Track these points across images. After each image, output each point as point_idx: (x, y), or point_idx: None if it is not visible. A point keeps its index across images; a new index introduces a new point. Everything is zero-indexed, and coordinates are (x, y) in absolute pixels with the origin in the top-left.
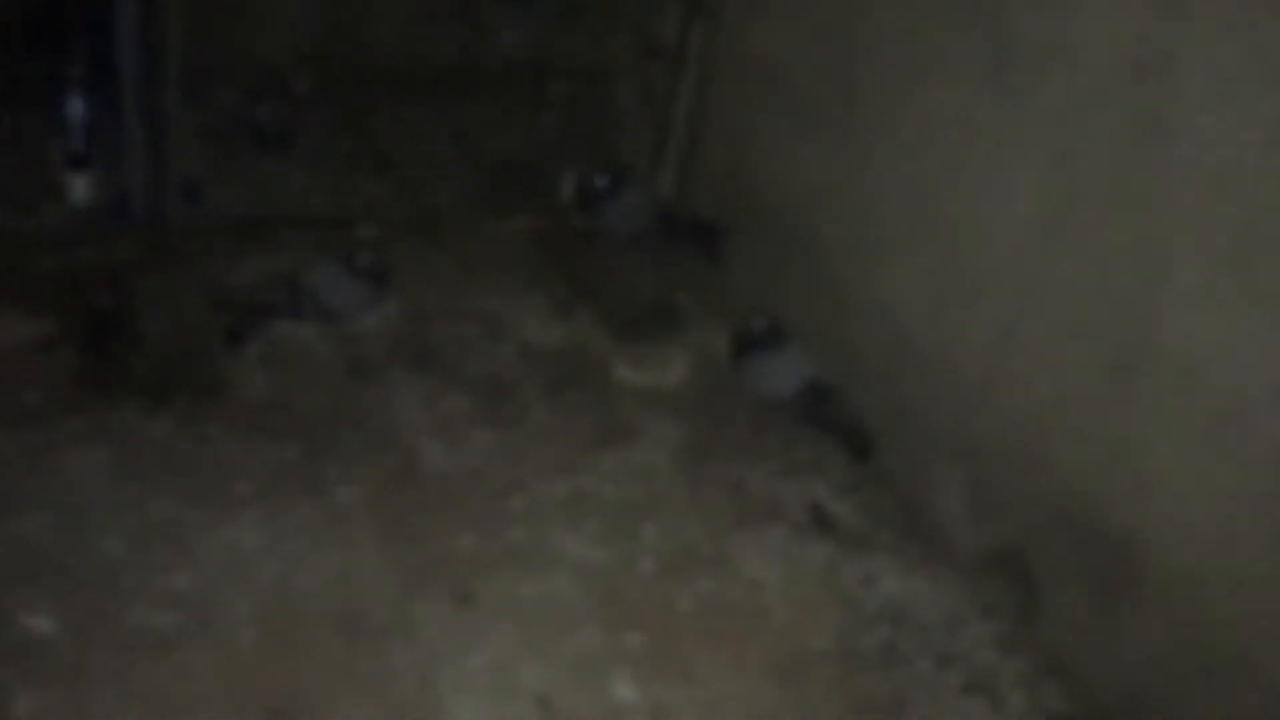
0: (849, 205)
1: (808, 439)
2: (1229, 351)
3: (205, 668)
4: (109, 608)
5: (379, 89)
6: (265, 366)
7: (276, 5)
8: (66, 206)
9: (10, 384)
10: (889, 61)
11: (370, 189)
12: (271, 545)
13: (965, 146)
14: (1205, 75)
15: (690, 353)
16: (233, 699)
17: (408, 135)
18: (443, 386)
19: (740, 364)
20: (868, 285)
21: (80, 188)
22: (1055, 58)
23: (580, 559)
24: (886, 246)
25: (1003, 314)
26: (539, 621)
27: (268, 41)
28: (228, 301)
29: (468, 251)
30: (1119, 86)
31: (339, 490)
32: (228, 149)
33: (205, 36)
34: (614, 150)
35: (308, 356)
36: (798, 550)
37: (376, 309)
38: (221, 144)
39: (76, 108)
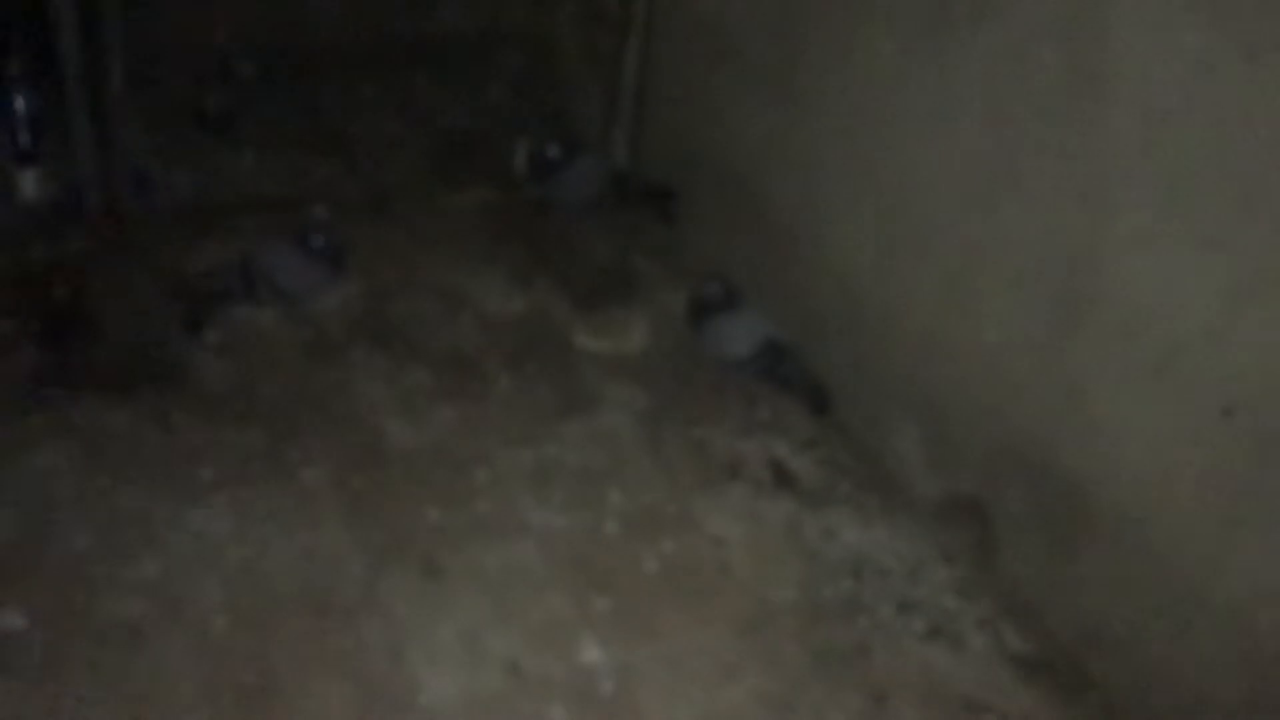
0: (796, 164)
1: (767, 398)
2: (1169, 295)
3: (177, 654)
4: (79, 600)
5: (325, 68)
6: (225, 352)
7: None
8: (16, 203)
9: None
10: (831, 18)
11: (321, 168)
12: (239, 530)
13: (906, 100)
14: (1132, 16)
15: (649, 317)
16: (206, 683)
17: (357, 113)
18: (403, 363)
19: (697, 328)
20: (817, 242)
21: (29, 183)
22: (989, 7)
23: (546, 527)
24: (833, 203)
25: (948, 265)
26: (507, 590)
27: (211, 26)
28: (184, 289)
29: (423, 226)
30: (1051, 34)
31: (304, 472)
32: (177, 136)
33: (148, 24)
34: (564, 118)
35: (267, 340)
36: (759, 507)
37: (333, 289)
38: (170, 132)
39: (20, 103)
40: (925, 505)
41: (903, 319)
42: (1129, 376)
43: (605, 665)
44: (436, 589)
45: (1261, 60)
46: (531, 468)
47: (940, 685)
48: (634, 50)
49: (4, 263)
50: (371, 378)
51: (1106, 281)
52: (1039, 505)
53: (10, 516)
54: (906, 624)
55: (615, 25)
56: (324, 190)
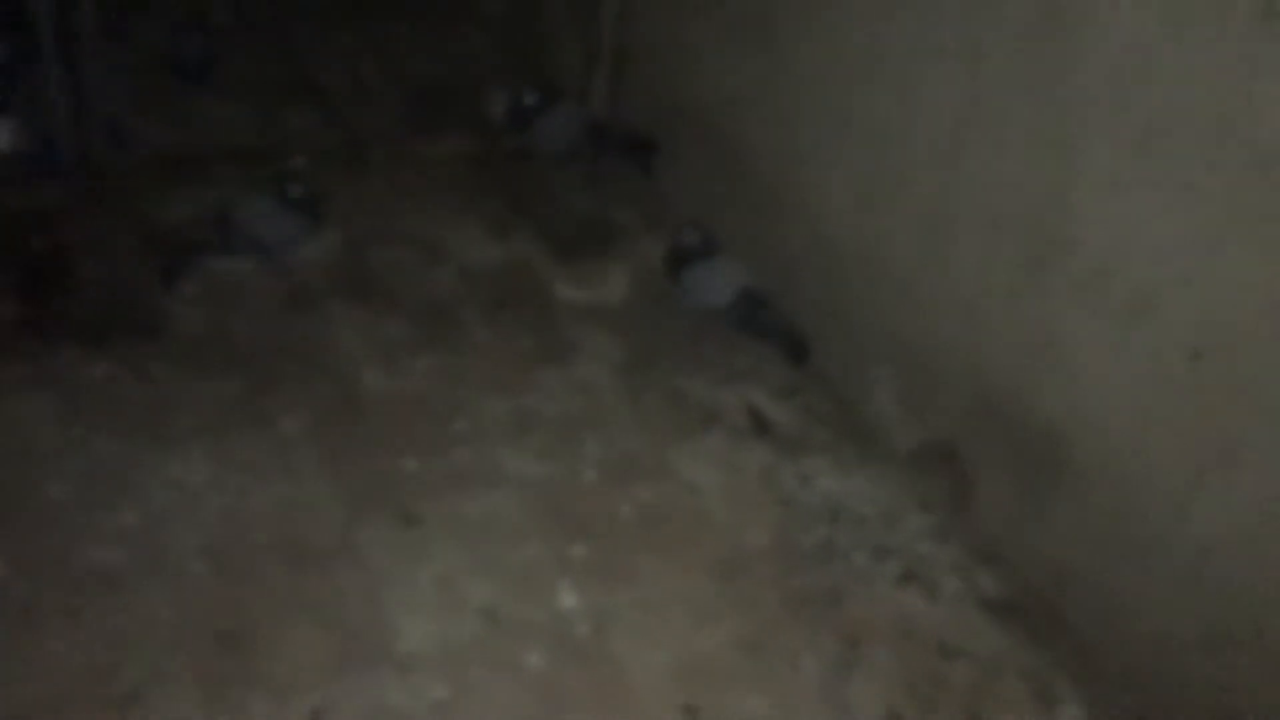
0: (774, 112)
1: (746, 347)
2: (1140, 241)
3: (155, 601)
4: (58, 548)
5: (302, 15)
6: (203, 303)
7: None
8: None
9: None
10: None
11: (299, 118)
12: (217, 478)
13: (883, 48)
14: None
15: (628, 267)
16: (183, 629)
17: (334, 62)
18: (382, 313)
19: (675, 277)
20: (795, 191)
21: (2, 135)
22: None
23: (523, 475)
24: (812, 152)
25: (924, 212)
26: (484, 538)
27: None
28: (162, 241)
29: (401, 177)
30: None
31: (282, 421)
32: (152, 86)
33: None
34: (544, 67)
35: (245, 291)
36: (736, 455)
37: (310, 240)
38: (145, 81)
39: None
40: (901, 453)
41: (879, 267)
42: (1101, 323)
43: (582, 611)
44: (414, 537)
45: (1230, 6)
46: (509, 417)
47: (914, 629)
48: None
49: None
50: (349, 328)
51: (1079, 228)
52: (1013, 452)
53: None
54: (881, 570)
55: None
56: (301, 140)
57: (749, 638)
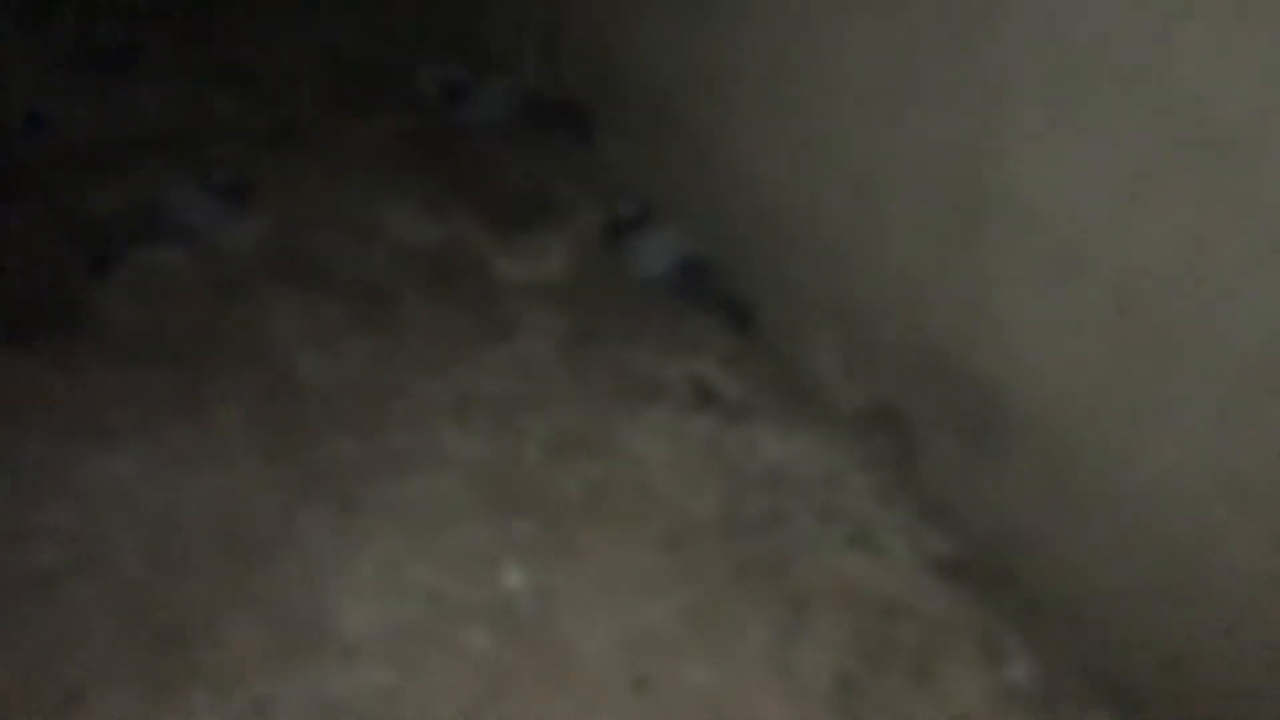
0: (713, 80)
1: (690, 317)
2: (1065, 192)
3: (92, 600)
4: None
5: None
6: (132, 294)
7: None
8: None
9: None
10: None
11: (223, 102)
12: (151, 472)
13: (816, 12)
14: None
15: (569, 240)
16: (122, 627)
17: (257, 43)
18: (316, 296)
19: (615, 248)
20: (732, 158)
21: None
22: None
23: (465, 456)
24: (749, 118)
25: (857, 173)
26: (426, 521)
27: None
28: (87, 231)
29: (333, 157)
30: None
31: (217, 410)
32: (71, 73)
33: None
34: (477, 40)
35: (174, 280)
36: (681, 425)
37: (238, 225)
38: (64, 68)
39: None
40: (845, 415)
41: (816, 230)
42: (1031, 276)
43: (527, 588)
44: (355, 522)
45: None
46: (450, 397)
47: (860, 591)
48: None
49: None
50: (283, 313)
51: (1007, 182)
52: (954, 409)
53: None
54: (827, 533)
55: None
56: (226, 124)
57: (697, 608)
